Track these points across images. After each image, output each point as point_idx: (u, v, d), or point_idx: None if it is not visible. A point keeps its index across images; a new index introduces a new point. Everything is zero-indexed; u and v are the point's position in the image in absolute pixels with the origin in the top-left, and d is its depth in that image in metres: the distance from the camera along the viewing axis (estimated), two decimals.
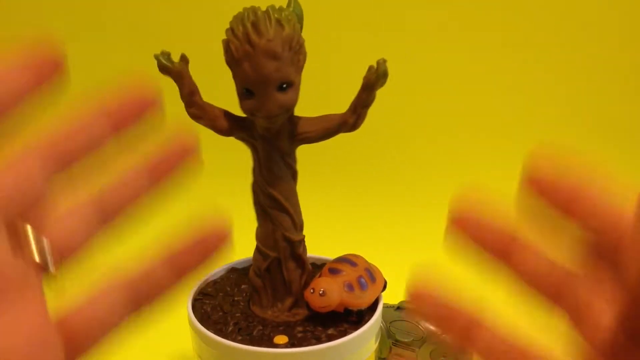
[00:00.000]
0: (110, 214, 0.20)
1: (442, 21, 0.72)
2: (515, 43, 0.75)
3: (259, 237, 0.37)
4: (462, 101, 0.75)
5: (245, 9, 0.31)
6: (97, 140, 0.18)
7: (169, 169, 0.20)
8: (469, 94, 0.76)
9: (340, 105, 0.34)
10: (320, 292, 0.34)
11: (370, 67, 0.32)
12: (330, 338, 0.34)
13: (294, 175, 0.36)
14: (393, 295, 0.39)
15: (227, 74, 0.33)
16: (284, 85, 0.31)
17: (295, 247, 0.36)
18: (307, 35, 0.32)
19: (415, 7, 0.71)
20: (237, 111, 0.34)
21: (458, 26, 0.73)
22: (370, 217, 0.66)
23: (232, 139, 0.35)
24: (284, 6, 0.32)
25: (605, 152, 0.63)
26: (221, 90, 0.36)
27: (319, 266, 0.41)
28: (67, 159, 0.18)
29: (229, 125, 0.34)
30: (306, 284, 0.37)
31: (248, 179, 0.36)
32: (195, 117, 0.34)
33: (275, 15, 0.30)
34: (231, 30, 0.31)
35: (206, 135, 0.36)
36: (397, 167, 0.72)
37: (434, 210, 0.67)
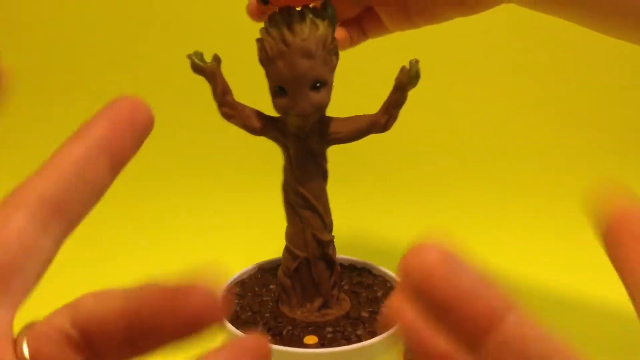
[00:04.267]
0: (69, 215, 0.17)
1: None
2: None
3: (289, 237, 0.37)
4: (497, 103, 0.75)
5: (280, 9, 0.31)
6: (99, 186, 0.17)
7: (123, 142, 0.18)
8: (506, 97, 0.75)
9: (372, 106, 0.35)
10: None
11: (403, 68, 0.33)
12: (359, 338, 0.34)
13: (324, 175, 0.36)
14: None
15: (259, 74, 0.33)
16: (318, 84, 0.31)
17: (325, 248, 0.36)
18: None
19: None
20: (269, 111, 0.35)
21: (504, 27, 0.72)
22: (398, 218, 0.66)
23: (263, 141, 0.36)
24: (318, 7, 0.32)
25: (621, 178, 0.62)
26: (253, 90, 0.36)
27: (346, 267, 0.41)
28: (64, 211, 0.17)
29: (261, 125, 0.35)
30: (335, 285, 0.37)
31: (278, 179, 0.36)
32: (227, 116, 0.34)
33: (310, 15, 0.31)
34: (266, 30, 0.31)
35: (237, 136, 0.37)
36: (427, 168, 0.72)
37: (457, 210, 0.67)
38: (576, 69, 0.75)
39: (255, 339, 0.17)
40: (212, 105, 0.34)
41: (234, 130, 0.35)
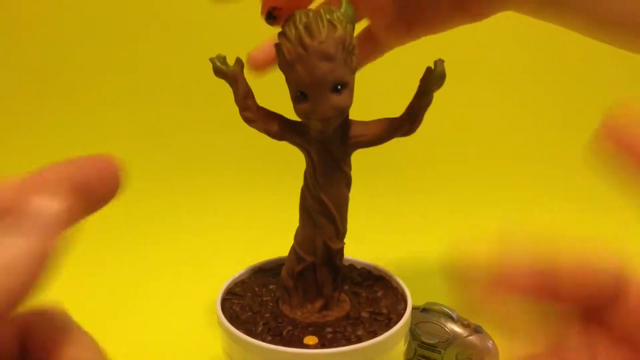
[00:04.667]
0: None
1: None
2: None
3: (298, 239, 0.36)
4: (505, 106, 0.74)
5: (296, 12, 0.30)
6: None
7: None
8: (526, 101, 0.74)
9: (395, 109, 0.34)
10: None
11: (428, 69, 0.32)
12: (360, 339, 0.34)
13: (348, 183, 0.35)
14: (419, 297, 0.39)
15: (280, 77, 0.32)
16: (339, 87, 0.31)
17: (333, 255, 0.36)
18: None
19: None
20: (291, 116, 0.34)
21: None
22: (398, 219, 0.66)
23: (265, 144, 0.35)
24: (335, 8, 0.31)
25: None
26: (275, 95, 0.36)
27: (346, 267, 0.41)
28: None
29: (282, 130, 0.34)
30: (336, 288, 0.37)
31: (278, 179, 0.36)
32: (249, 120, 0.34)
33: (327, 17, 0.30)
34: (283, 34, 0.31)
35: (238, 136, 0.36)
36: (428, 169, 0.71)
37: (457, 211, 0.67)
38: (581, 70, 0.75)
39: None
40: (213, 106, 0.34)
41: (235, 131, 0.35)
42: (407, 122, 0.33)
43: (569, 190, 0.69)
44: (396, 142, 0.34)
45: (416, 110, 0.33)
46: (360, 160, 0.36)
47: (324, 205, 0.34)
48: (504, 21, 0.39)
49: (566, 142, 0.69)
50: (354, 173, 0.35)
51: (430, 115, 0.33)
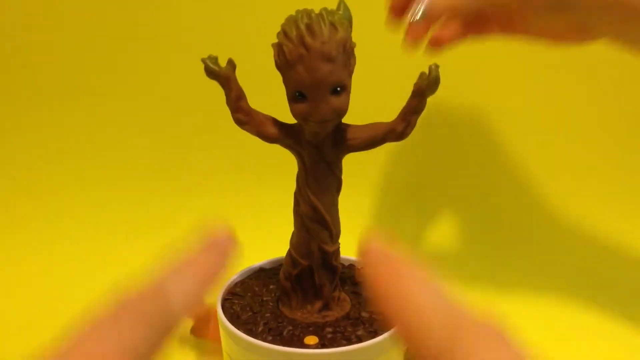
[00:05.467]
0: None
1: None
2: None
3: (293, 243, 0.36)
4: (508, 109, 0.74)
5: (297, 12, 0.30)
6: None
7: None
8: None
9: (389, 113, 0.34)
10: None
11: (422, 74, 0.32)
12: (360, 339, 0.34)
13: (338, 186, 0.35)
14: None
15: (273, 79, 0.32)
16: (338, 89, 0.31)
17: (329, 257, 0.36)
18: (355, 39, 0.32)
19: None
20: (282, 118, 0.34)
21: None
22: (399, 219, 0.66)
23: (264, 146, 0.35)
24: (334, 9, 0.31)
25: None
26: (267, 97, 0.35)
27: (346, 267, 0.41)
28: None
29: (275, 132, 0.34)
30: (336, 288, 0.37)
31: (278, 179, 0.36)
32: (241, 122, 0.33)
33: (329, 18, 0.30)
34: (284, 33, 0.30)
35: (239, 137, 0.36)
36: (430, 170, 0.71)
37: (458, 212, 0.67)
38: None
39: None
40: (215, 107, 0.34)
41: (235, 130, 0.35)
42: (400, 126, 0.33)
43: None
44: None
45: (409, 114, 0.33)
46: (360, 159, 0.36)
47: (316, 210, 0.34)
48: None
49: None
50: (354, 172, 0.35)
51: (428, 117, 0.33)
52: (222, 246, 0.21)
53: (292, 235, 0.36)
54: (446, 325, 0.16)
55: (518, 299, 0.52)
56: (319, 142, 0.33)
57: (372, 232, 0.20)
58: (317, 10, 0.31)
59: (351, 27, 0.32)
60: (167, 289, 0.18)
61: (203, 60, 0.32)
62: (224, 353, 0.37)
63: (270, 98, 0.35)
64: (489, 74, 0.66)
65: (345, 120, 0.34)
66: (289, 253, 0.37)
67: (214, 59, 0.32)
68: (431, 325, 0.16)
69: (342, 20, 0.31)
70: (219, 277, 0.20)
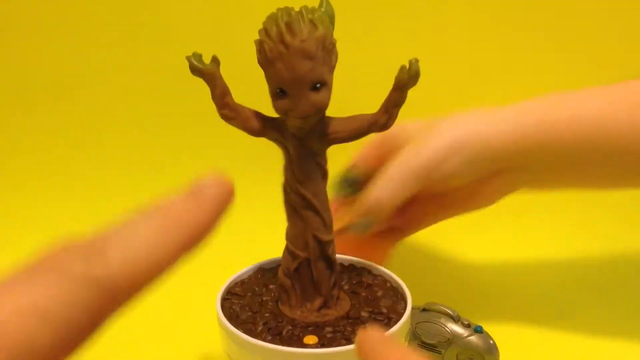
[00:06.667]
0: None
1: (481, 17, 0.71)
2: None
3: (289, 237, 0.37)
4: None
5: (278, 10, 0.31)
6: None
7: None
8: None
9: (372, 105, 0.34)
10: None
11: (402, 67, 0.32)
12: None
13: (324, 175, 0.36)
14: (419, 297, 0.39)
15: (258, 75, 0.33)
16: (318, 85, 0.31)
17: (325, 248, 0.36)
18: (338, 35, 0.32)
19: (449, 4, 0.71)
20: (268, 112, 0.34)
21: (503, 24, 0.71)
22: None
23: (263, 141, 0.35)
24: (316, 6, 0.32)
25: None
26: (251, 92, 0.36)
27: (346, 267, 0.41)
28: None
29: (260, 126, 0.34)
30: (334, 285, 0.37)
31: (277, 178, 0.36)
32: (227, 118, 0.34)
33: (309, 16, 0.30)
34: (264, 31, 0.31)
35: (238, 136, 0.36)
36: None
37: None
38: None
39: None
40: (211, 106, 0.34)
41: (235, 131, 0.35)
42: (382, 118, 0.34)
43: None
44: None
45: (391, 106, 0.34)
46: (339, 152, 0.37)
47: (305, 199, 0.35)
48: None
49: None
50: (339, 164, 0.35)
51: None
52: (210, 193, 0.17)
53: (287, 230, 0.37)
54: None
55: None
56: (303, 135, 0.34)
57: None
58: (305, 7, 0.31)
59: (333, 23, 0.32)
60: (108, 244, 0.15)
61: (187, 58, 0.33)
62: (224, 353, 0.37)
63: (255, 94, 0.35)
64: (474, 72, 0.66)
65: (329, 113, 0.34)
66: (286, 248, 0.37)
67: (199, 57, 0.33)
68: None
69: (322, 17, 0.31)
70: (204, 231, 0.17)
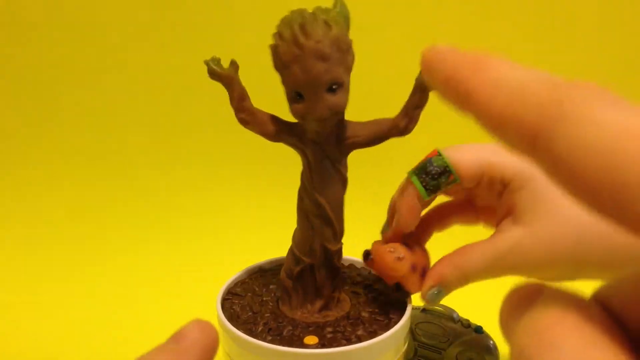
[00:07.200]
0: None
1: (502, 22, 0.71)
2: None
3: (296, 240, 0.36)
4: None
5: (292, 12, 0.30)
6: None
7: None
8: None
9: (392, 109, 0.34)
10: (400, 256, 0.35)
11: None
12: (360, 339, 0.34)
13: (344, 183, 0.35)
14: (419, 297, 0.39)
15: (276, 79, 0.32)
16: (334, 87, 0.31)
17: (331, 256, 0.36)
18: (356, 37, 0.32)
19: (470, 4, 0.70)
20: (286, 117, 0.34)
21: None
22: None
23: (268, 147, 0.35)
24: (330, 7, 0.31)
25: None
26: (270, 97, 0.35)
27: (346, 267, 0.41)
28: None
29: (278, 131, 0.34)
30: (336, 288, 0.37)
31: (279, 179, 0.36)
32: (244, 122, 0.33)
33: (323, 17, 0.30)
34: (279, 34, 0.30)
35: (239, 137, 0.36)
36: None
37: None
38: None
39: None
40: (216, 109, 0.34)
41: (236, 131, 0.35)
42: (402, 121, 0.33)
43: None
44: (399, 141, 0.34)
45: (411, 109, 0.33)
46: (360, 159, 0.36)
47: (320, 207, 0.34)
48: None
49: None
50: (355, 172, 0.35)
51: (430, 114, 0.33)
52: (189, 340, 0.19)
53: (295, 233, 0.36)
54: (553, 88, 0.14)
55: None
56: (321, 140, 0.33)
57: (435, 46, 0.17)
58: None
59: (348, 24, 0.31)
60: None
61: (206, 62, 0.32)
62: (224, 353, 0.37)
63: (273, 97, 0.35)
64: None
65: (348, 117, 0.34)
66: (291, 250, 0.37)
67: (217, 61, 0.32)
68: (535, 92, 0.14)
69: (337, 18, 0.30)
70: None
